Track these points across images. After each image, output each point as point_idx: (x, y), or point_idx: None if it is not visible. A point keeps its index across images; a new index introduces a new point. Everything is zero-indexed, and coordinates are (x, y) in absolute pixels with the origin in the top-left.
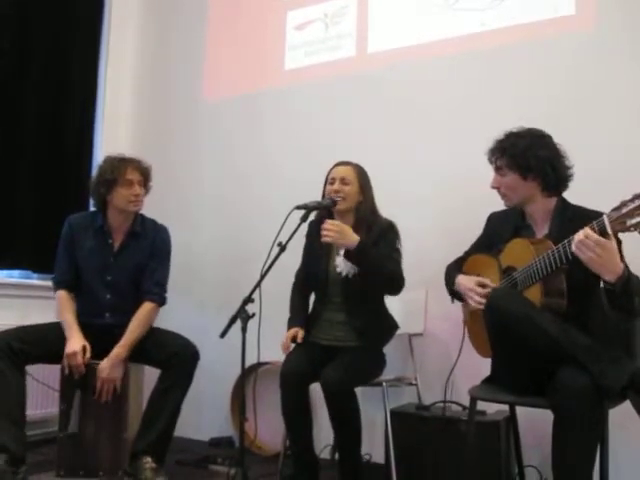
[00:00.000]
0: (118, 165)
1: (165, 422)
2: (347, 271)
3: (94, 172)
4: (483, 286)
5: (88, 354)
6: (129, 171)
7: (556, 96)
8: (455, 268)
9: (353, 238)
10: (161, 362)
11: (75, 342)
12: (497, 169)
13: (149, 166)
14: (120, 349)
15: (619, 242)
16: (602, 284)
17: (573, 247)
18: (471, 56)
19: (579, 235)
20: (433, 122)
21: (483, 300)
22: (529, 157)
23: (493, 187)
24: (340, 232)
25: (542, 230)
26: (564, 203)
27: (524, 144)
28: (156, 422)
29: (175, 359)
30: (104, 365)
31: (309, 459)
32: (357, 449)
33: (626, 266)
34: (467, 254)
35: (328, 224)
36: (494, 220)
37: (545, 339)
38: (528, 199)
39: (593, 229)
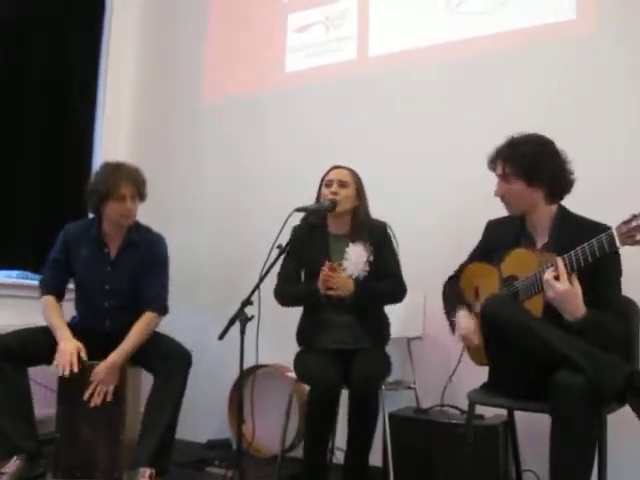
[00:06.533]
0: (112, 178)
1: (163, 433)
2: (357, 273)
3: (92, 177)
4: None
5: (84, 355)
6: (122, 185)
7: (556, 99)
8: (454, 292)
9: (350, 286)
10: (153, 368)
11: (68, 343)
12: (502, 177)
13: (143, 176)
14: (116, 356)
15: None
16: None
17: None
18: (472, 59)
19: (547, 275)
20: (434, 125)
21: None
22: (536, 165)
23: (497, 195)
24: (342, 284)
25: (542, 238)
26: (564, 211)
27: (530, 152)
28: (154, 434)
29: (168, 366)
30: (99, 369)
31: (322, 463)
32: (367, 452)
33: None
34: (463, 266)
35: (328, 275)
36: (493, 228)
37: (539, 342)
38: (531, 207)
39: (601, 242)
